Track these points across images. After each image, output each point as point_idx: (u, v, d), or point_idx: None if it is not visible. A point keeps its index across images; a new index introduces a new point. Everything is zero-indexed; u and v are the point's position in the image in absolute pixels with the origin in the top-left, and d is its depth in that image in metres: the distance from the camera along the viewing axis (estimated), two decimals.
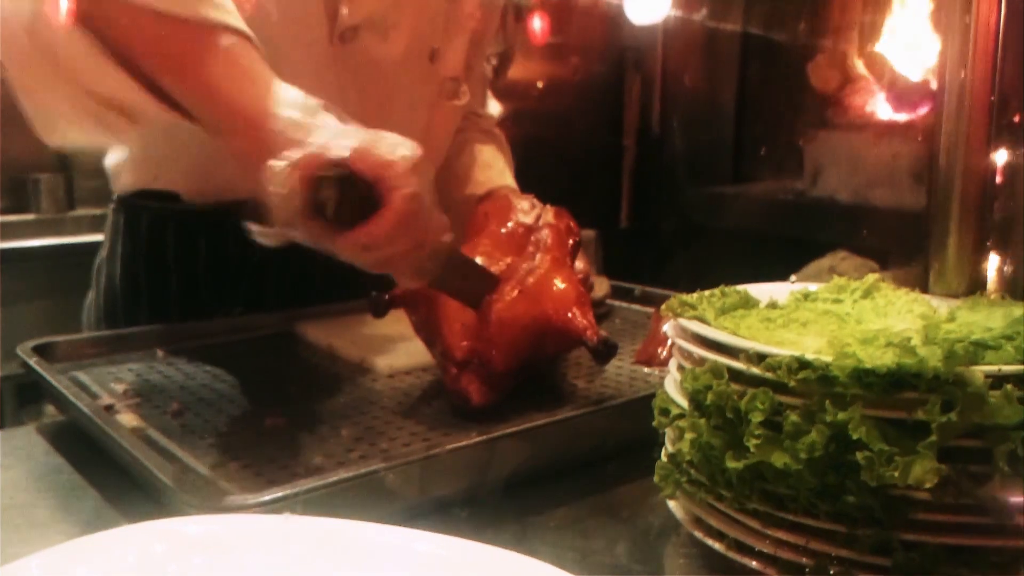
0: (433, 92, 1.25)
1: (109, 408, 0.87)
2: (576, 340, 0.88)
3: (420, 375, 0.98)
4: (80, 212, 2.83)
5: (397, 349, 1.03)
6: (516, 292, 0.89)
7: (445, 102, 1.26)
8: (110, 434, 0.77)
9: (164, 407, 0.88)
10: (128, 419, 0.85)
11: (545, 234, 0.96)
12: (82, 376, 0.97)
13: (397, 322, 0.98)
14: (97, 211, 2.81)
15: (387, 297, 0.93)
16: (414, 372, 0.99)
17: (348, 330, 1.10)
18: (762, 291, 0.75)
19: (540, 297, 0.89)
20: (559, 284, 0.91)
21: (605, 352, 0.87)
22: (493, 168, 1.32)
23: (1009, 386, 0.52)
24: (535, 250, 0.94)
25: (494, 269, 0.92)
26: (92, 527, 0.56)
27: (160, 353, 1.06)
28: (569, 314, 0.88)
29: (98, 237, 1.27)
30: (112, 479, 0.76)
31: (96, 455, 0.81)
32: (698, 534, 0.66)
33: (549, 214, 0.99)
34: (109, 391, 0.92)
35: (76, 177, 2.87)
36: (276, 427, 0.84)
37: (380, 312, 0.94)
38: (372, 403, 0.90)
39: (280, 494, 0.65)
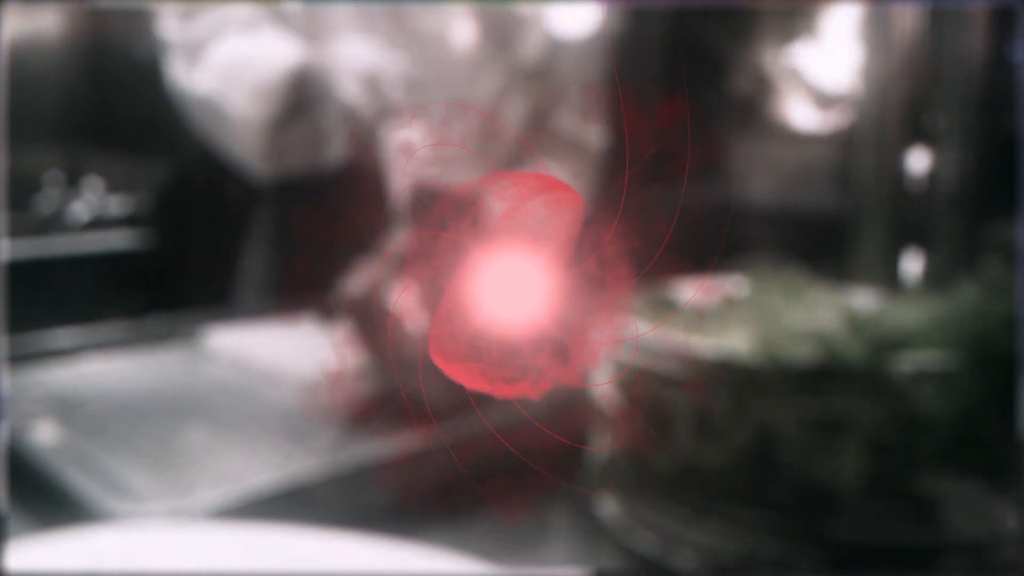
0: (505, 79, 1.25)
1: (23, 417, 0.84)
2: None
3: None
4: None
5: (308, 359, 1.00)
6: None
7: (516, 92, 1.27)
8: (24, 444, 0.75)
9: (79, 415, 0.85)
10: (43, 429, 0.82)
11: None
12: None
13: (302, 331, 0.96)
14: None
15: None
16: (327, 383, 0.97)
17: (255, 339, 1.08)
18: (688, 290, 0.76)
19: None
20: None
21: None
22: None
23: (932, 379, 0.53)
24: None
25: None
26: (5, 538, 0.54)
27: (74, 359, 1.03)
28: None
29: None
30: (26, 489, 0.73)
31: (9, 464, 0.78)
32: (628, 534, 0.66)
33: None
34: (23, 399, 0.89)
35: None
36: (196, 436, 0.82)
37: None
38: (291, 412, 0.88)
39: (200, 503, 0.64)
